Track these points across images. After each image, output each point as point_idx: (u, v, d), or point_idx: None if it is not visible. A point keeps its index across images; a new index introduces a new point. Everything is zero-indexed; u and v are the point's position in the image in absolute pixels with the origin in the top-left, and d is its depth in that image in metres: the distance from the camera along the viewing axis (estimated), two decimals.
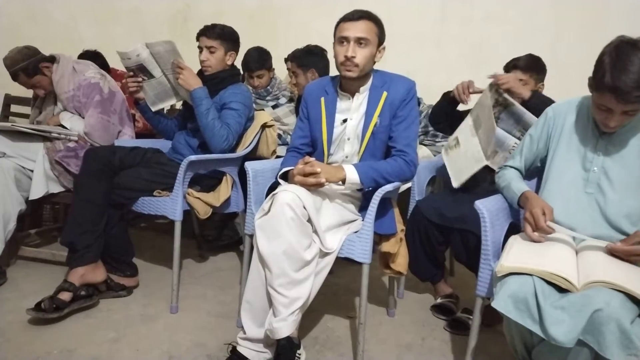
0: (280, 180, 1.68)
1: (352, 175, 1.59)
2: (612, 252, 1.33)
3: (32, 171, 2.14)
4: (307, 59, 2.49)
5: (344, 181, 1.59)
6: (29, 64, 2.28)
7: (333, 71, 1.94)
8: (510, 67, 2.12)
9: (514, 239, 1.45)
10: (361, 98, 1.73)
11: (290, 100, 2.81)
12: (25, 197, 2.14)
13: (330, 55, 2.63)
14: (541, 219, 1.39)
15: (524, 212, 1.47)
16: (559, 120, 1.55)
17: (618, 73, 1.26)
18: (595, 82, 1.33)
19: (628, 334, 1.09)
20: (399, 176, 1.64)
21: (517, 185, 1.58)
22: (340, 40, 1.64)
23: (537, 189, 1.63)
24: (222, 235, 2.72)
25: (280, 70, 2.96)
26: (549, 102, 1.79)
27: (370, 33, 1.62)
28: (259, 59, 2.72)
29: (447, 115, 2.16)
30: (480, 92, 1.97)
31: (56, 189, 2.19)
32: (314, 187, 1.55)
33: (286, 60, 2.99)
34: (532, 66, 2.10)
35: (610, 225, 1.43)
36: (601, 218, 1.44)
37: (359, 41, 1.61)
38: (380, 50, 1.69)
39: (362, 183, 1.60)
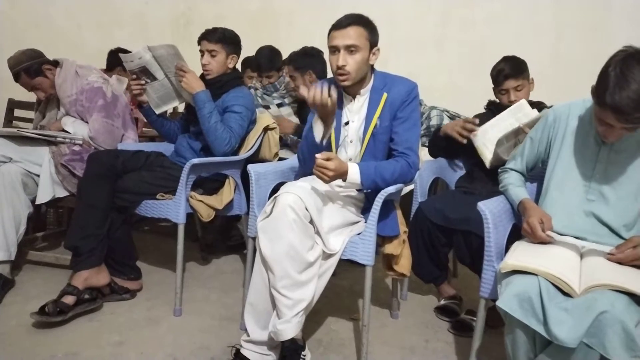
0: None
1: (354, 175, 1.57)
2: (610, 260, 1.32)
3: (37, 175, 2.15)
4: (304, 61, 2.45)
5: (345, 178, 1.57)
6: (32, 65, 2.29)
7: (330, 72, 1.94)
8: (500, 78, 2.04)
9: (519, 243, 1.45)
10: (362, 100, 1.73)
11: (295, 101, 2.80)
12: (31, 200, 2.15)
13: (326, 56, 2.62)
14: (538, 228, 1.38)
15: (523, 222, 1.46)
16: (560, 125, 1.54)
17: (620, 92, 1.21)
18: (597, 96, 1.29)
19: (632, 336, 1.09)
20: (400, 178, 1.64)
21: (515, 191, 1.58)
22: (331, 49, 1.64)
23: (538, 193, 1.62)
24: (230, 236, 2.72)
25: None
26: None
27: (359, 39, 1.60)
28: (271, 59, 2.69)
29: (444, 148, 2.20)
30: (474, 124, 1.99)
31: (62, 193, 2.19)
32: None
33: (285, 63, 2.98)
34: (518, 68, 2.04)
35: (612, 231, 1.42)
36: (603, 225, 1.43)
37: (349, 49, 1.60)
38: (375, 52, 1.67)
39: (362, 184, 1.59)
